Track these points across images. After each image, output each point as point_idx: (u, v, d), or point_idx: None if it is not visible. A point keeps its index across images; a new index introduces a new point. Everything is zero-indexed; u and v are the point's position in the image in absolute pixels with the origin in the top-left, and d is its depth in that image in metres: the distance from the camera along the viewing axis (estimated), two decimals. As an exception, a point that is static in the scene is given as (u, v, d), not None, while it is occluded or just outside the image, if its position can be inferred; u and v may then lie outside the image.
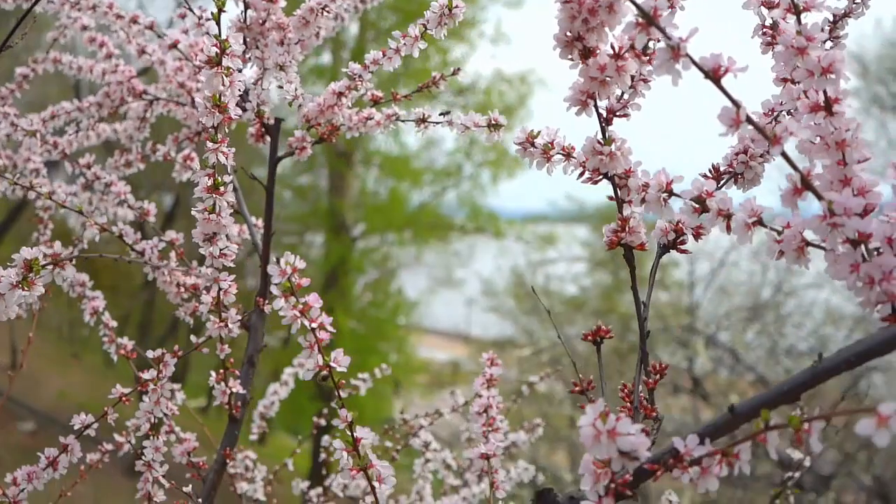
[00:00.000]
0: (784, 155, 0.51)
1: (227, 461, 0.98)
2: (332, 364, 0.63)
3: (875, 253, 0.52)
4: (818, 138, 0.54)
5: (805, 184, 0.51)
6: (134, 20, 1.09)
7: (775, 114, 0.69)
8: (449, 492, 1.23)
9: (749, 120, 0.50)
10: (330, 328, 0.63)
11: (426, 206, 12.28)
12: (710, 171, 0.69)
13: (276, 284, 0.61)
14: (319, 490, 1.39)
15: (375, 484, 0.64)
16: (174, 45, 1.03)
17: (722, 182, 0.69)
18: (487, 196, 12.19)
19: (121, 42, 1.19)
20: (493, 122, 0.82)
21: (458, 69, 1.00)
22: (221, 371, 0.96)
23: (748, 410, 0.51)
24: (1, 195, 1.34)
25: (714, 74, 0.51)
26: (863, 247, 0.52)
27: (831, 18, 0.71)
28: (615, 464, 0.51)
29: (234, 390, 0.97)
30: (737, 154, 0.68)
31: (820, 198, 0.51)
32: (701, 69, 0.50)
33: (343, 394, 0.64)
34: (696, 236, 0.67)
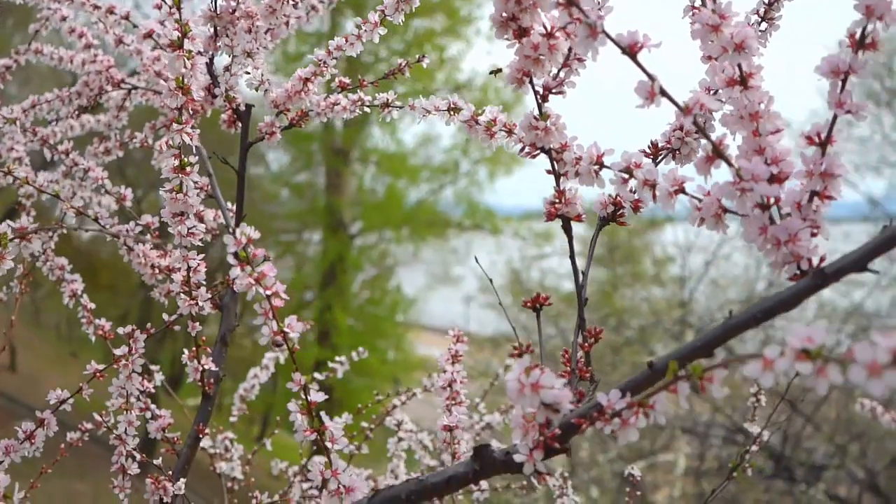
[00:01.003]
0: (697, 125, 0.54)
1: (200, 436, 1.02)
2: (286, 330, 0.67)
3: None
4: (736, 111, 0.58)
5: (717, 152, 0.55)
6: (110, 10, 1.12)
7: (711, 92, 0.72)
8: (426, 471, 1.27)
9: (663, 92, 0.54)
10: (284, 296, 0.66)
11: (423, 204, 12.32)
12: (648, 147, 0.72)
13: (231, 254, 0.64)
14: (296, 468, 1.42)
15: (329, 444, 0.68)
16: (149, 35, 1.07)
17: (660, 157, 0.72)
18: (484, 193, 12.23)
19: (100, 33, 1.22)
20: (452, 106, 0.85)
21: (423, 56, 1.04)
22: (194, 349, 0.99)
23: (664, 366, 0.54)
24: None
25: (631, 50, 0.54)
26: (775, 211, 0.56)
27: (766, 1, 0.75)
28: (539, 415, 0.55)
29: (206, 367, 1.00)
30: (674, 130, 0.71)
31: (731, 165, 0.54)
32: (618, 45, 0.54)
33: (294, 358, 0.67)
34: (635, 209, 0.70)
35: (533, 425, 0.56)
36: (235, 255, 0.65)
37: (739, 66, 0.56)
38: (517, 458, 0.58)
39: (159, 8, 1.11)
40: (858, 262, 0.50)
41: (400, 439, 1.33)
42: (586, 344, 0.66)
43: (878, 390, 0.37)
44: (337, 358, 1.41)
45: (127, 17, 1.14)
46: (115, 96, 1.27)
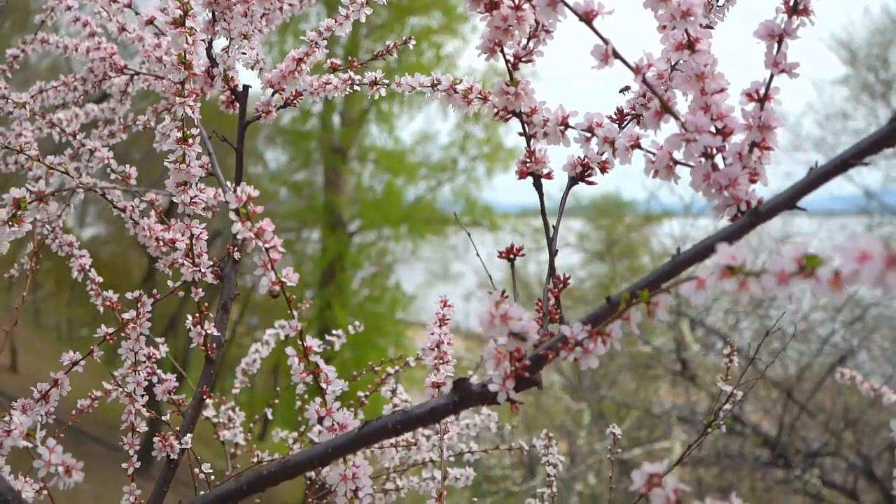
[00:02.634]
0: (646, 82, 0.61)
1: (204, 397, 1.08)
2: (284, 279, 0.73)
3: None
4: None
5: (664, 107, 0.61)
6: (113, -1, 1.19)
7: (672, 62, 0.78)
8: (421, 439, 1.33)
9: (615, 54, 0.60)
10: (281, 249, 0.73)
11: (422, 201, 12.38)
12: (614, 113, 0.79)
13: (233, 210, 0.71)
14: (295, 434, 1.49)
15: (323, 385, 0.74)
16: (150, 22, 1.13)
17: (626, 122, 0.79)
18: (482, 190, 12.29)
19: (103, 22, 1.28)
20: (435, 82, 0.91)
21: (410, 38, 1.10)
22: (197, 315, 1.06)
23: (619, 299, 0.60)
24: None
25: (587, 17, 0.60)
26: (720, 161, 0.62)
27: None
28: (509, 345, 0.61)
29: (209, 332, 1.07)
30: (637, 98, 0.78)
31: (677, 118, 0.61)
32: (575, 13, 0.60)
33: (291, 306, 0.74)
34: (602, 170, 0.77)
35: (505, 356, 0.63)
36: (237, 210, 0.71)
37: (686, 31, 0.63)
38: (492, 387, 0.64)
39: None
40: (788, 201, 0.57)
41: (395, 406, 1.39)
42: (556, 290, 0.73)
43: (785, 295, 0.44)
44: (334, 332, 1.47)
45: (129, 6, 1.20)
46: (119, 82, 1.33)
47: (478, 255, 1.10)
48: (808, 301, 7.78)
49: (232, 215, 0.72)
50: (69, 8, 1.29)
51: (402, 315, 12.18)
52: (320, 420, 0.73)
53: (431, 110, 12.30)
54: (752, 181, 0.61)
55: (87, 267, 1.21)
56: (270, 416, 1.49)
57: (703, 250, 0.59)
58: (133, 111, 1.33)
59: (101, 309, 1.17)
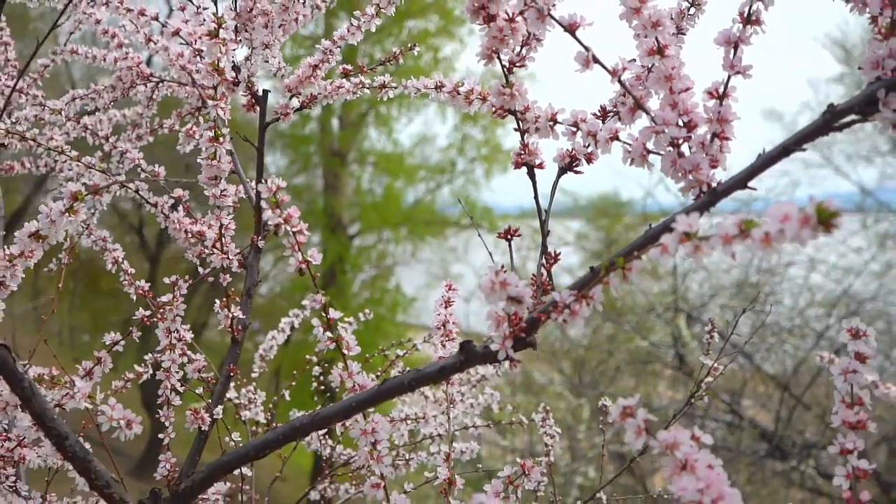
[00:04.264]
0: (622, 84, 0.71)
1: (231, 374, 1.18)
2: (309, 258, 0.83)
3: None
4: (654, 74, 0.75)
5: (637, 105, 0.72)
6: (142, 13, 1.29)
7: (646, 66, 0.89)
8: (428, 416, 1.43)
9: (595, 59, 0.71)
10: (306, 232, 0.83)
11: (421, 203, 12.48)
12: (598, 110, 0.89)
13: (264, 199, 0.81)
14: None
15: (345, 351, 0.85)
16: (176, 33, 1.23)
17: (608, 118, 0.89)
18: (481, 191, 12.40)
19: (129, 34, 1.39)
20: (438, 84, 1.02)
21: (415, 44, 1.21)
22: (225, 299, 1.16)
23: (601, 269, 0.71)
24: (27, 170, 1.55)
25: (571, 28, 0.71)
26: (686, 148, 0.73)
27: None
28: (507, 307, 0.72)
29: (235, 315, 1.17)
30: (617, 97, 0.88)
31: (648, 114, 0.71)
32: (561, 25, 0.71)
33: (315, 281, 0.84)
34: (588, 160, 0.87)
35: (504, 319, 0.73)
36: (267, 199, 0.82)
37: (657, 39, 0.73)
38: (493, 347, 0.75)
39: (183, 9, 1.28)
40: (740, 182, 0.67)
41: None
42: (548, 265, 0.83)
43: (728, 253, 0.54)
44: (346, 319, 1.58)
45: (156, 18, 1.31)
46: (144, 89, 1.44)
47: (489, 252, 1.20)
48: (805, 298, 7.90)
49: (263, 203, 0.82)
50: (98, 21, 1.39)
51: (403, 317, 12.26)
52: (342, 383, 0.84)
53: (430, 113, 12.42)
54: (713, 167, 0.71)
55: (121, 259, 1.32)
56: (288, 398, 1.60)
57: (670, 224, 0.69)
58: (158, 115, 1.44)
59: (134, 297, 1.28)
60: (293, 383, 1.67)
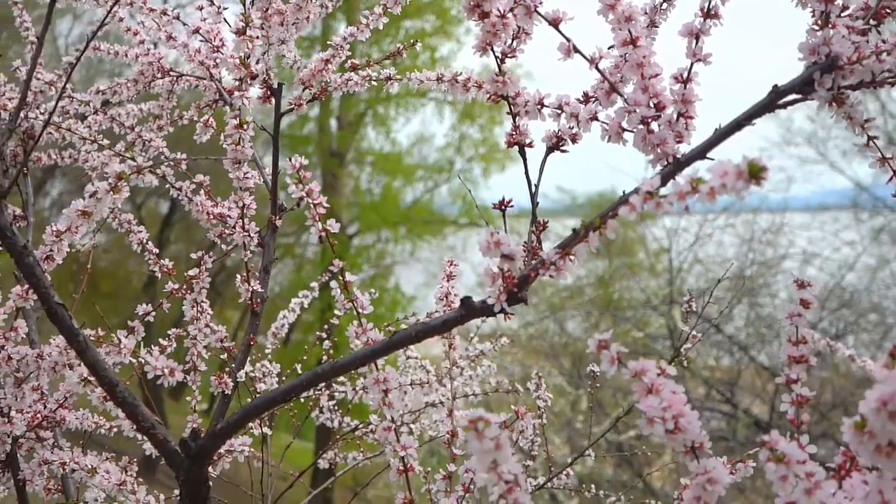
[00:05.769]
0: (599, 70, 0.83)
1: (251, 343, 1.29)
2: (329, 227, 0.95)
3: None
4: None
5: (612, 89, 0.83)
6: (164, 12, 1.40)
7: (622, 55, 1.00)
8: (431, 381, 1.55)
9: (575, 49, 0.82)
10: (326, 205, 0.94)
11: (419, 202, 12.60)
12: (582, 95, 1.00)
13: (288, 175, 0.93)
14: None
15: (360, 310, 0.96)
16: (196, 31, 1.34)
17: (590, 102, 1.00)
18: (480, 190, 12.50)
19: (149, 30, 1.50)
20: (439, 76, 1.13)
21: (416, 41, 1.32)
22: (245, 274, 1.27)
23: (581, 230, 0.82)
24: (53, 161, 1.66)
25: (554, 22, 0.82)
26: (655, 126, 0.84)
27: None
28: (501, 264, 0.83)
29: (254, 289, 1.28)
30: (597, 83, 0.99)
31: (621, 95, 0.83)
32: (546, 19, 0.82)
33: (333, 249, 0.95)
34: (573, 140, 0.98)
35: (498, 275, 0.84)
36: (291, 176, 0.93)
37: (630, 31, 0.85)
38: (489, 301, 0.86)
39: (201, 8, 1.40)
40: (699, 154, 0.79)
41: (407, 357, 1.61)
42: (537, 231, 0.95)
43: (680, 208, 0.65)
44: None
45: (178, 17, 1.42)
46: (164, 83, 1.55)
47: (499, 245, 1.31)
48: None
49: (288, 179, 0.94)
50: (121, 19, 1.50)
51: (403, 316, 12.31)
52: (357, 335, 0.95)
53: (427, 113, 12.54)
54: (679, 141, 0.82)
55: (145, 241, 1.43)
56: (300, 372, 1.71)
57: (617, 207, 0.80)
58: (177, 108, 1.55)
59: (159, 275, 1.39)
60: (304, 357, 1.78)
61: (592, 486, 1.86)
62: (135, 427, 0.92)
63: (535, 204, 0.96)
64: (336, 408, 1.65)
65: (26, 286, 1.08)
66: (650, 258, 9.77)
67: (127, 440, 1.34)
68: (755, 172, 0.59)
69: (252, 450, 1.57)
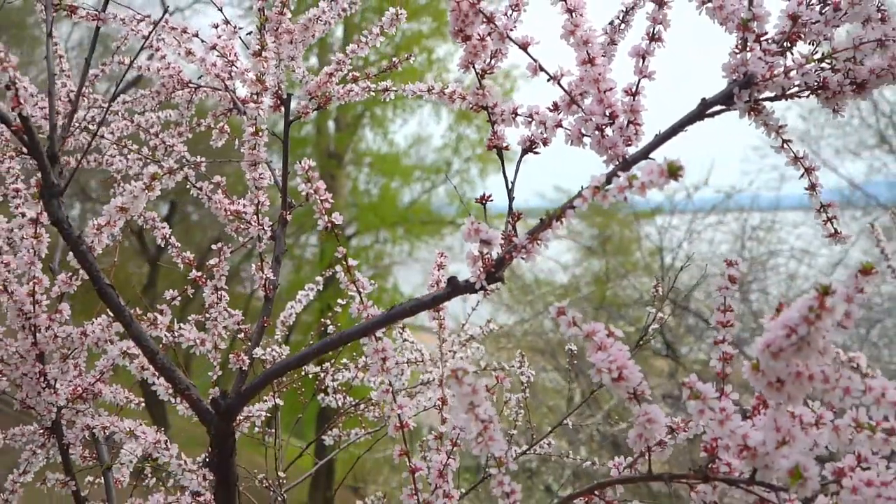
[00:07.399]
0: (560, 85, 0.99)
1: (265, 325, 1.46)
2: (334, 219, 1.11)
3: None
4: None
5: (572, 100, 0.99)
6: (184, 30, 1.56)
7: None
8: (425, 359, 1.70)
9: (541, 68, 0.98)
10: (330, 200, 1.10)
11: (417, 203, 12.75)
12: (552, 105, 1.17)
13: (298, 175, 1.09)
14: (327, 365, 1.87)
15: (361, 290, 1.12)
16: (213, 47, 1.51)
17: (559, 111, 1.16)
18: (477, 190, 12.65)
19: (171, 47, 1.66)
20: (430, 88, 1.29)
21: (411, 54, 1.48)
22: (259, 263, 1.44)
23: (548, 219, 0.98)
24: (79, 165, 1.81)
25: (523, 46, 0.99)
26: (609, 132, 1.00)
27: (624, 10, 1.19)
28: (481, 248, 0.99)
29: (268, 276, 1.44)
30: (563, 96, 1.16)
31: (580, 107, 0.99)
32: (516, 43, 0.98)
33: (340, 241, 1.11)
34: (544, 143, 1.15)
35: (479, 258, 1.01)
36: (301, 175, 1.09)
37: (587, 52, 1.01)
38: (471, 279, 1.02)
39: (216, 26, 1.56)
40: (644, 154, 0.95)
41: (405, 340, 1.77)
42: (513, 220, 1.11)
43: (644, 196, 0.82)
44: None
45: (196, 35, 1.58)
46: (183, 94, 1.71)
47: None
48: (786, 285, 8.21)
49: (298, 178, 1.10)
50: (145, 37, 1.66)
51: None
52: (359, 309, 1.11)
53: (424, 114, 12.70)
54: (628, 145, 0.99)
55: (168, 236, 1.59)
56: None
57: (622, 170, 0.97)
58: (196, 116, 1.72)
59: (182, 266, 1.55)
60: (313, 332, 1.94)
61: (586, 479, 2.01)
62: (171, 389, 1.08)
63: (511, 198, 1.12)
64: (340, 388, 1.81)
65: (69, 274, 1.24)
66: (645, 257, 9.95)
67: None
68: (674, 171, 0.75)
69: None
